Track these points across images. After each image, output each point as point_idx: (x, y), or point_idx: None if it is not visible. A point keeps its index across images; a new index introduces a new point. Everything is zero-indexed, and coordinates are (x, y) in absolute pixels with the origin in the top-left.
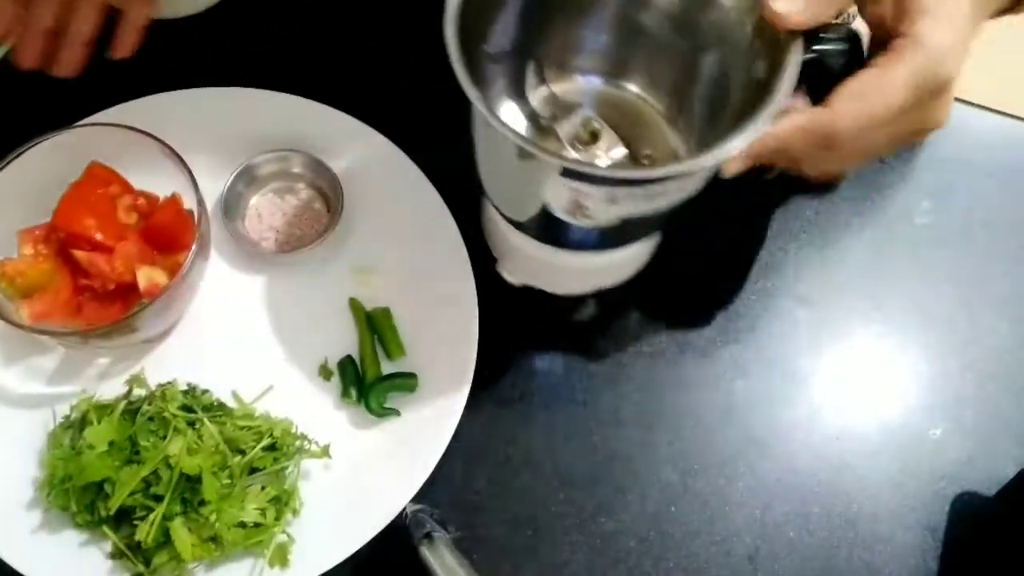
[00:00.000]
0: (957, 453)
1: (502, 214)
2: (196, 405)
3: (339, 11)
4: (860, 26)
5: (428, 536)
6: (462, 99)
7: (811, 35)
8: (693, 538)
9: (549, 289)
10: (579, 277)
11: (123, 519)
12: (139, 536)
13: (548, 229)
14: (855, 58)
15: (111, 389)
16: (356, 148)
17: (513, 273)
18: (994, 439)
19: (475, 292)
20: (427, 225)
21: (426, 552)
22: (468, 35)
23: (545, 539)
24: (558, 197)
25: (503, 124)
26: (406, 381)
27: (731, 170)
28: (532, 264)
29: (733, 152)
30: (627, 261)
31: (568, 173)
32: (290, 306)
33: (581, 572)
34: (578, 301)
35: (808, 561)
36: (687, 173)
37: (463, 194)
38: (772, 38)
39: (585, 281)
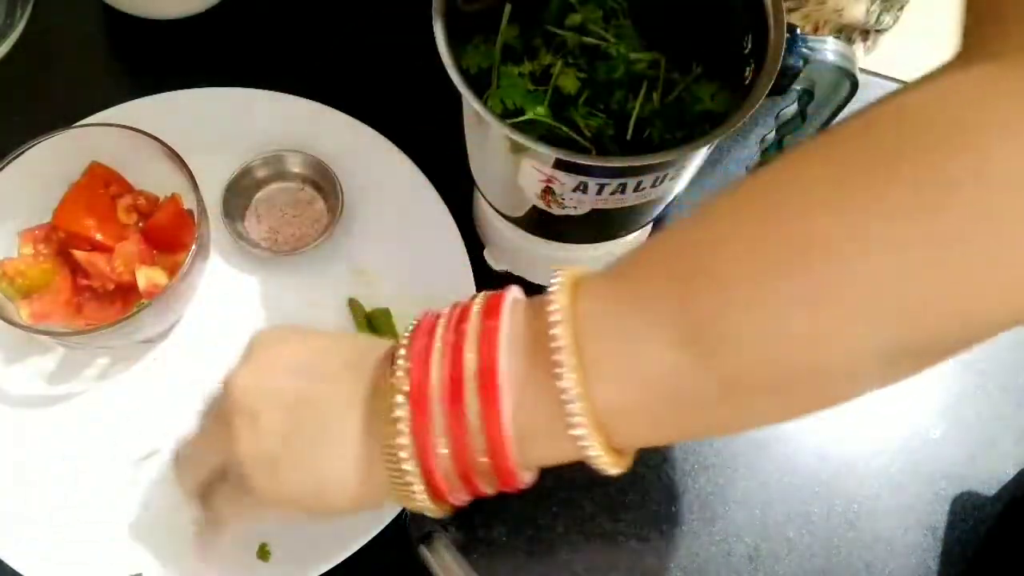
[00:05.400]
0: (957, 453)
1: (491, 205)
2: None
3: (338, 11)
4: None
5: (428, 536)
6: (456, 92)
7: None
8: (693, 538)
9: (533, 279)
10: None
11: None
12: None
13: (532, 219)
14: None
15: (111, 389)
16: (356, 148)
17: (499, 260)
18: (994, 439)
19: (475, 292)
20: (427, 225)
21: (426, 552)
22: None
23: (545, 539)
24: (532, 184)
25: (486, 111)
26: None
27: None
28: (518, 253)
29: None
30: (611, 256)
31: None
32: (290, 306)
33: (581, 572)
34: None
35: (808, 561)
36: (645, 168)
37: (456, 184)
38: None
39: None
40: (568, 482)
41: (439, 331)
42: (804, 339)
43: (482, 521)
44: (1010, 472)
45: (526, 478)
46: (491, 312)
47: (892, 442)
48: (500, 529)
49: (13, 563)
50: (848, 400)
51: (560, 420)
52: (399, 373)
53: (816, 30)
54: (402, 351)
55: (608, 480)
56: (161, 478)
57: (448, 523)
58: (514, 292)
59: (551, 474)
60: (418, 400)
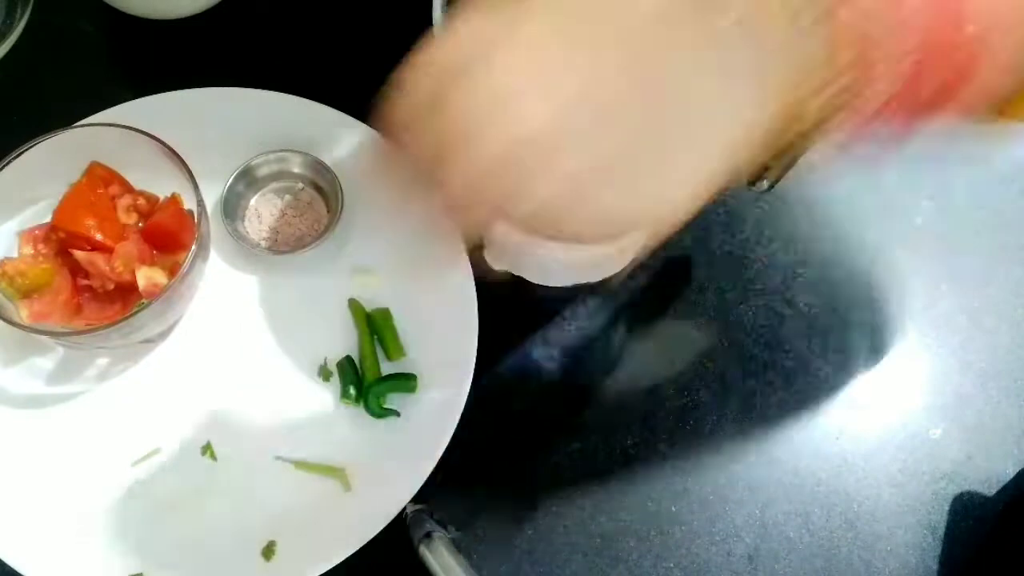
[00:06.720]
0: (957, 453)
1: None
2: None
3: (338, 11)
4: None
5: (428, 536)
6: None
7: None
8: (693, 538)
9: (532, 280)
10: (563, 270)
11: None
12: None
13: None
14: None
15: (111, 389)
16: (356, 148)
17: (499, 260)
18: (994, 439)
19: (475, 293)
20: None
21: (426, 552)
22: None
23: (545, 539)
24: None
25: None
26: (406, 382)
27: None
28: (518, 254)
29: None
30: (614, 257)
31: None
32: (290, 306)
33: (581, 572)
34: (577, 301)
35: (808, 561)
36: None
37: None
38: None
39: (569, 275)
40: (568, 481)
41: None
42: None
43: (482, 521)
44: (1010, 472)
45: None
46: None
47: (892, 442)
48: (500, 529)
49: (13, 563)
50: None
51: None
52: None
53: None
54: None
55: (608, 480)
56: (161, 478)
57: (448, 523)
58: None
59: (551, 473)
60: None
